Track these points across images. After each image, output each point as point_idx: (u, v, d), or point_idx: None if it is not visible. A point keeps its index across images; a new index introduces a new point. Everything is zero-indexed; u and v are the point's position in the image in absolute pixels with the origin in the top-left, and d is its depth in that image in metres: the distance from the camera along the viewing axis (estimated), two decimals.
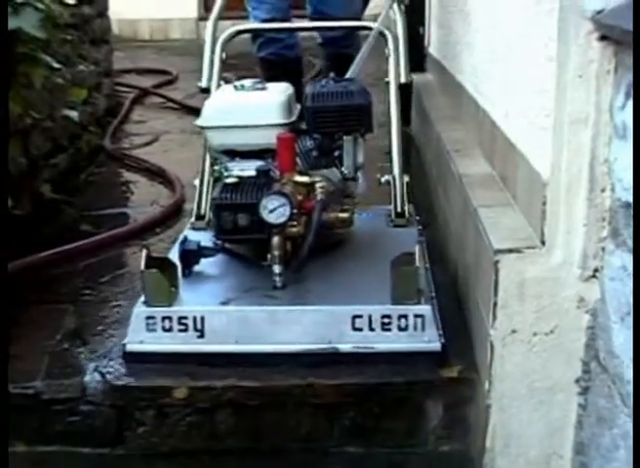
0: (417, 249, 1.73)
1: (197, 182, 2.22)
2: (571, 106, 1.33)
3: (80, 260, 2.28)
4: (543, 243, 1.46)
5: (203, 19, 7.08)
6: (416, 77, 3.42)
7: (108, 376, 1.70)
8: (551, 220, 1.43)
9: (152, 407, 1.68)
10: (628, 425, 1.23)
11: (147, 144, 3.55)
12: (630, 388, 1.21)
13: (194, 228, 2.15)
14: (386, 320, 1.69)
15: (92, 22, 3.72)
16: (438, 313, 1.74)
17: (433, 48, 3.33)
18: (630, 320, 1.21)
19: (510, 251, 1.47)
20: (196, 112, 3.90)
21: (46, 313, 1.96)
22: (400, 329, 1.69)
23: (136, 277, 2.16)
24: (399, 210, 2.13)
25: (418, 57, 3.50)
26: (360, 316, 1.69)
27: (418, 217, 2.17)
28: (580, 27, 1.28)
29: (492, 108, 1.98)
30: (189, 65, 5.47)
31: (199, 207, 2.20)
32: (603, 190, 1.34)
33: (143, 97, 4.43)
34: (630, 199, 1.21)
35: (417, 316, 1.69)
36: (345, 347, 1.70)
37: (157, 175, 3.06)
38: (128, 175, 3.15)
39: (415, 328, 1.69)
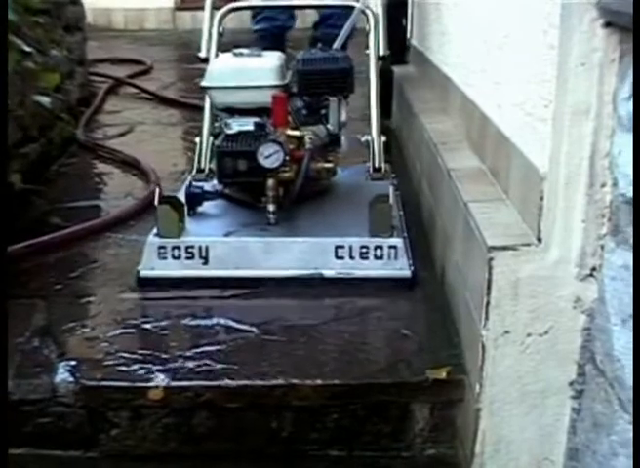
0: (390, 190, 2.10)
1: (198, 139, 2.47)
2: (572, 97, 1.29)
3: (51, 254, 2.24)
4: (540, 240, 1.42)
5: (179, 8, 7.03)
6: (397, 70, 3.45)
7: (80, 376, 1.66)
8: (548, 216, 1.40)
9: (126, 408, 1.64)
10: (628, 432, 1.20)
11: (121, 135, 3.51)
12: (631, 394, 1.17)
13: (195, 180, 2.36)
14: (364, 250, 2.03)
15: (65, 8, 3.65)
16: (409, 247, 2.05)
17: (416, 39, 3.31)
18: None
19: (505, 248, 1.43)
20: (171, 103, 3.99)
21: (15, 309, 1.91)
22: (376, 258, 2.02)
23: (108, 271, 2.14)
24: (377, 165, 2.43)
25: (400, 49, 3.49)
26: (342, 246, 2.03)
27: (393, 175, 2.45)
28: (585, 14, 1.24)
29: (482, 100, 1.95)
30: (164, 56, 5.45)
31: (199, 161, 2.44)
32: (603, 185, 1.31)
33: (117, 86, 4.38)
34: None
35: (390, 247, 2.02)
36: (329, 273, 2.03)
37: (131, 166, 3.02)
38: (101, 167, 3.11)
39: (389, 257, 2.02)
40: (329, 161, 2.34)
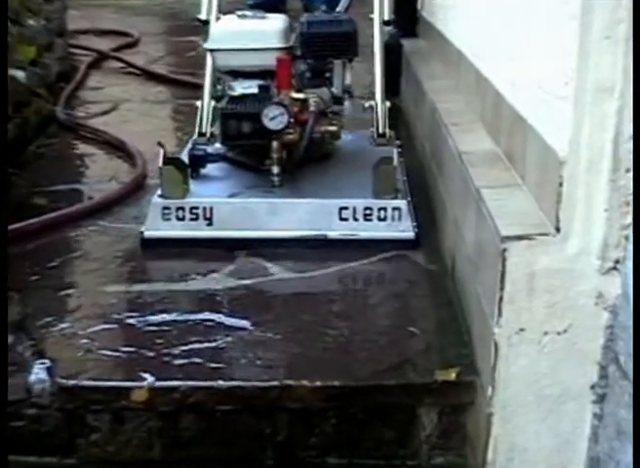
0: (395, 153, 2.29)
1: (199, 103, 2.55)
2: (595, 73, 1.28)
3: (27, 242, 2.24)
4: (558, 229, 1.42)
5: None
6: (406, 43, 3.44)
7: (57, 376, 1.65)
8: (568, 204, 1.39)
9: (107, 410, 1.64)
10: None
11: (105, 114, 3.50)
12: None
13: (196, 144, 2.48)
14: (368, 212, 2.19)
15: None
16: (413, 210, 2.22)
17: (427, 11, 3.30)
18: None
19: (520, 238, 1.43)
20: (159, 79, 3.98)
21: None
22: (380, 219, 2.19)
23: (90, 261, 2.14)
24: (380, 131, 2.54)
25: (409, 20, 3.48)
26: (346, 208, 2.19)
27: (397, 141, 2.56)
28: None
29: (497, 77, 1.94)
30: (152, 27, 5.43)
31: (200, 125, 2.53)
32: (628, 170, 1.31)
33: (101, 60, 4.36)
34: None
35: (394, 209, 2.18)
36: (333, 234, 2.19)
37: (116, 147, 3.01)
38: (83, 148, 3.10)
39: (392, 219, 2.18)
40: (333, 124, 2.47)
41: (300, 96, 2.30)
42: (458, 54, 2.47)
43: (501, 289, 1.44)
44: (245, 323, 1.82)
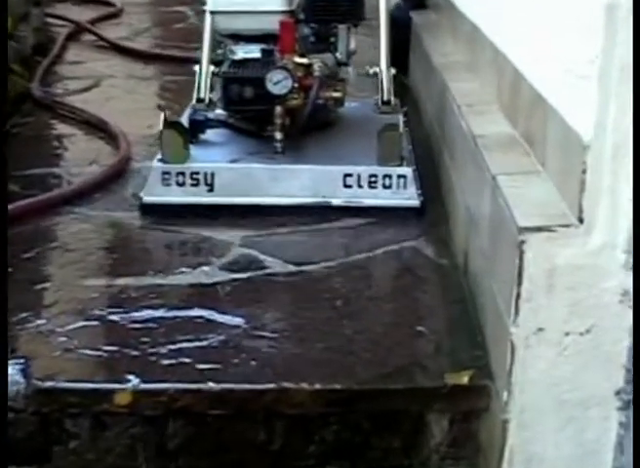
0: (400, 119, 2.41)
1: (197, 67, 2.62)
2: (622, 50, 1.29)
3: None
4: (581, 220, 1.43)
5: None
6: (416, 16, 3.44)
7: (32, 377, 1.65)
8: (592, 193, 1.40)
9: (87, 415, 1.64)
10: None
11: (85, 91, 3.49)
12: None
13: (195, 110, 2.56)
14: (373, 179, 2.31)
15: None
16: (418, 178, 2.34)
17: None
18: None
19: (539, 229, 1.44)
20: (138, 55, 3.97)
21: None
22: (385, 187, 2.31)
23: (69, 252, 2.14)
24: (385, 99, 2.67)
25: None
26: (350, 175, 2.32)
27: (403, 109, 2.69)
28: None
29: (515, 53, 1.95)
30: None
31: (199, 90, 2.61)
32: None
33: (81, 32, 4.35)
34: None
35: (400, 176, 2.31)
36: (337, 201, 2.32)
37: (97, 127, 3.01)
38: (61, 128, 3.10)
39: (398, 186, 2.31)
40: (337, 91, 2.57)
41: (304, 60, 2.42)
42: (472, 27, 2.47)
43: (519, 285, 1.44)
44: (238, 320, 1.83)
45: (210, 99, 2.57)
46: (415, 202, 2.31)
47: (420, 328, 1.81)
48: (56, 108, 3.24)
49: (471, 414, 1.65)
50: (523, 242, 1.43)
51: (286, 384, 1.63)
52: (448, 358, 1.71)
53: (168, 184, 2.33)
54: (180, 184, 2.33)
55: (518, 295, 1.45)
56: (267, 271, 2.04)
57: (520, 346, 1.46)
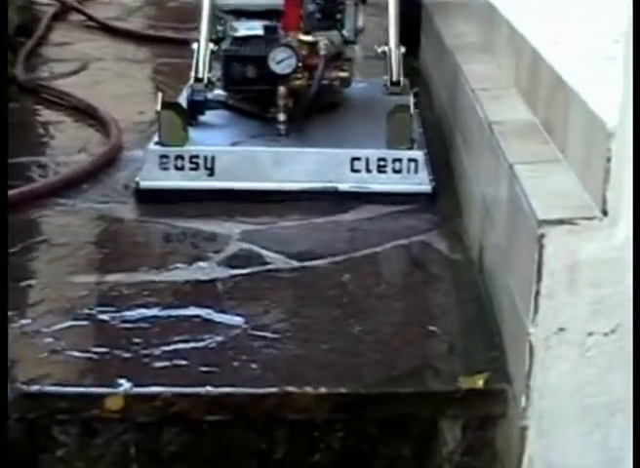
0: (411, 100, 2.40)
1: (195, 46, 2.63)
2: None
3: None
4: (605, 212, 1.43)
5: None
6: None
7: (17, 381, 1.65)
8: (617, 183, 1.40)
9: (76, 421, 1.64)
10: None
11: (73, 74, 3.49)
12: None
13: (194, 90, 2.57)
14: (382, 163, 2.34)
15: None
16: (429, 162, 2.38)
17: None
18: None
19: (560, 222, 1.44)
20: (130, 36, 3.96)
21: None
22: (394, 171, 2.34)
23: (56, 247, 2.14)
24: (394, 79, 2.67)
25: None
26: (358, 158, 2.34)
27: (414, 90, 2.67)
28: None
29: (534, 33, 1.95)
30: None
31: (197, 70, 2.60)
32: None
33: (68, 11, 4.35)
34: None
35: (410, 160, 2.34)
36: (344, 186, 2.35)
37: (86, 114, 3.01)
38: (47, 114, 3.10)
39: (408, 170, 2.34)
40: (344, 70, 2.61)
41: (309, 38, 2.46)
42: (488, 6, 2.47)
43: (538, 281, 1.44)
44: (238, 319, 1.83)
45: (209, 80, 2.57)
46: (426, 187, 2.34)
47: (431, 327, 1.81)
48: (41, 93, 3.24)
49: (487, 420, 1.65)
50: (543, 236, 1.43)
51: (289, 388, 1.63)
52: (462, 360, 1.71)
53: (166, 168, 2.36)
54: (179, 168, 2.36)
55: (537, 293, 1.45)
56: (269, 267, 2.05)
57: (540, 347, 1.46)
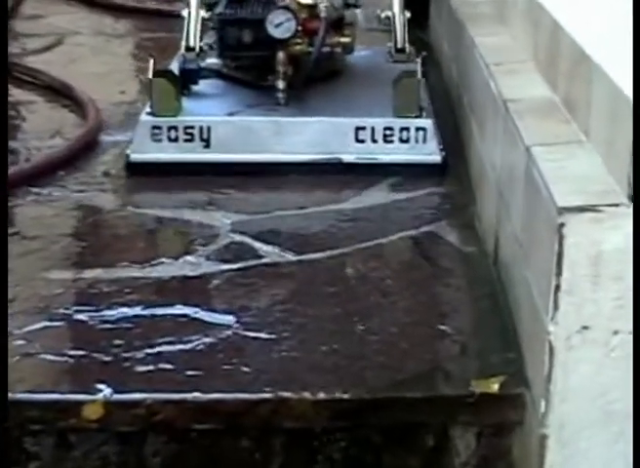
0: (418, 66, 2.45)
1: (185, 11, 2.69)
2: None
3: None
4: (632, 198, 1.42)
5: None
6: None
7: None
8: None
9: (51, 431, 1.64)
10: None
11: (47, 50, 3.51)
12: None
13: (186, 59, 2.63)
14: (389, 132, 2.41)
15: None
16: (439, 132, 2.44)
17: None
18: None
19: (582, 209, 1.43)
20: (109, 8, 3.96)
21: None
22: (402, 141, 2.41)
23: (28, 240, 2.15)
24: (399, 46, 2.77)
25: None
26: (363, 128, 2.41)
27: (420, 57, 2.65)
28: None
29: (554, 2, 1.96)
30: None
31: (188, 38, 2.66)
32: None
33: None
34: None
35: (418, 129, 2.40)
36: (349, 158, 2.42)
37: (61, 93, 3.02)
38: (18, 94, 3.10)
39: (416, 140, 2.41)
40: (346, 36, 2.69)
41: (309, 0, 2.52)
42: None
43: (558, 275, 1.44)
44: (229, 319, 1.83)
45: (200, 48, 2.62)
46: (436, 157, 2.41)
47: (442, 326, 1.81)
48: (12, 71, 3.22)
49: (503, 428, 1.65)
50: (563, 225, 1.43)
51: (285, 394, 1.63)
52: (475, 361, 1.71)
53: (158, 140, 2.42)
54: (173, 140, 2.42)
55: (557, 288, 1.45)
56: (263, 261, 2.05)
57: (560, 347, 1.46)
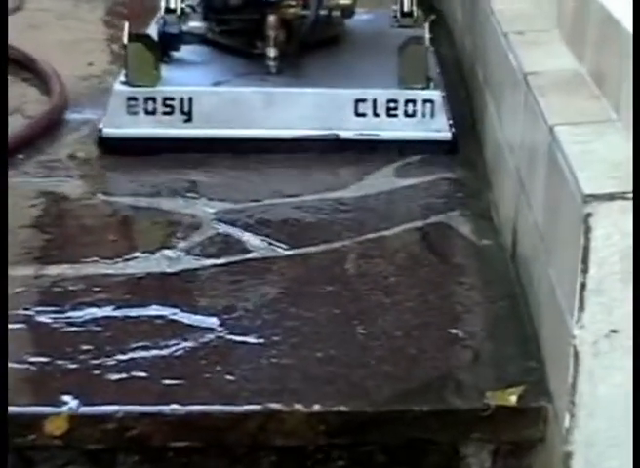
0: (426, 32, 2.47)
1: None
2: None
3: None
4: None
5: None
6: None
7: None
8: None
9: (9, 449, 1.61)
10: None
11: None
12: None
13: (166, 21, 2.65)
14: (392, 105, 2.43)
15: None
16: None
17: None
18: None
19: (611, 197, 1.43)
20: None
21: None
22: (407, 115, 2.43)
23: None
24: (406, 9, 2.76)
25: None
26: (364, 100, 2.43)
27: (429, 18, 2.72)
28: None
29: None
30: None
31: None
32: None
33: None
34: None
35: (425, 101, 2.42)
36: (347, 134, 2.44)
37: (21, 66, 3.03)
38: None
39: (423, 114, 2.43)
40: None
41: None
42: None
43: (584, 272, 1.44)
44: (212, 321, 1.84)
45: (182, 10, 2.63)
46: (445, 134, 2.44)
47: (453, 330, 1.82)
48: None
49: (521, 446, 1.66)
50: (590, 215, 1.43)
51: (275, 406, 1.63)
52: (490, 370, 1.72)
53: (134, 113, 2.45)
54: (150, 113, 2.44)
55: (583, 286, 1.45)
56: (251, 255, 2.05)
57: (587, 354, 1.47)
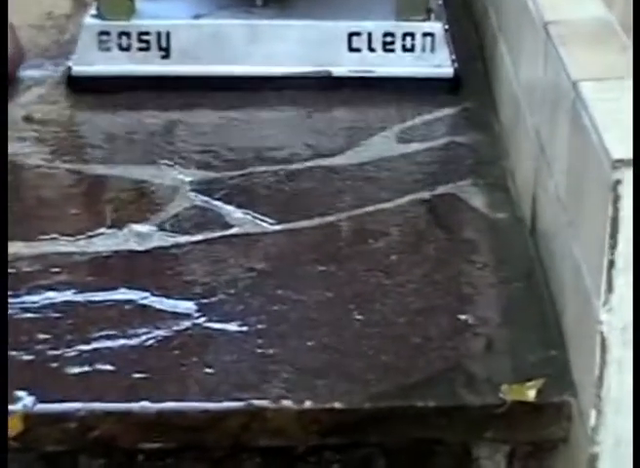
0: None
1: None
2: None
3: None
4: None
5: None
6: None
7: None
8: None
9: None
10: None
11: None
12: None
13: None
14: (389, 39, 2.45)
15: None
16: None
17: None
18: None
19: None
20: None
21: None
22: (405, 49, 2.46)
23: None
24: None
25: None
26: (358, 34, 2.45)
27: None
28: None
29: None
30: None
31: None
32: None
33: None
34: None
35: (425, 34, 2.45)
36: (340, 70, 2.47)
37: None
38: None
39: (423, 49, 2.46)
40: None
41: None
42: None
43: (613, 248, 1.44)
44: (188, 306, 1.84)
45: None
46: (447, 70, 2.47)
47: (463, 316, 1.82)
48: None
49: (541, 447, 1.67)
50: (618, 182, 1.42)
51: (259, 402, 1.63)
52: (505, 361, 1.71)
53: (107, 49, 2.47)
54: (124, 49, 2.47)
55: (612, 264, 1.44)
56: (232, 231, 2.05)
57: (615, 341, 1.47)
